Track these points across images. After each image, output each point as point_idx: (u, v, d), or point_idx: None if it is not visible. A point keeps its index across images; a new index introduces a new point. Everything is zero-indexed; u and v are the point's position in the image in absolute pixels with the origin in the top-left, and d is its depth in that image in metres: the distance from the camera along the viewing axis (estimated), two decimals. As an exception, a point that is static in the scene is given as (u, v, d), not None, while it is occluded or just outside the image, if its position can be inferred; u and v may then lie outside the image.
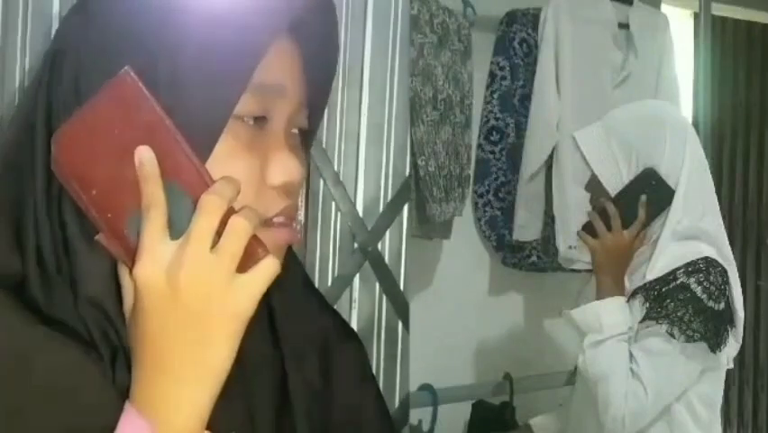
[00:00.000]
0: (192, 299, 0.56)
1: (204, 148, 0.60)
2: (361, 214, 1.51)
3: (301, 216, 1.36)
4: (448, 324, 2.30)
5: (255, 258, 0.57)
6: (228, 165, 0.62)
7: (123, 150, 0.57)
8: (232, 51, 0.61)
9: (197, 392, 0.57)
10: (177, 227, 0.57)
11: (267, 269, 0.57)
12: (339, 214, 1.48)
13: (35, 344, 0.59)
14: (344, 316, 1.45)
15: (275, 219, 0.65)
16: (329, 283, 1.48)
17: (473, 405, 2.27)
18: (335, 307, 1.44)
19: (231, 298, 0.56)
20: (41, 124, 0.63)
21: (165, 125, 0.57)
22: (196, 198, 0.57)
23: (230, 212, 0.57)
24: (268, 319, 0.74)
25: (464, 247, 2.37)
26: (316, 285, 1.32)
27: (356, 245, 1.51)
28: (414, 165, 1.98)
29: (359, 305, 1.50)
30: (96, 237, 0.59)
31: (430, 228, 2.14)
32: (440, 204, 2.09)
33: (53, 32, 0.72)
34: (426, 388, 2.09)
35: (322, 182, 1.46)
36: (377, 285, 1.53)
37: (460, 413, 2.28)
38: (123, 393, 0.59)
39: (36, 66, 0.69)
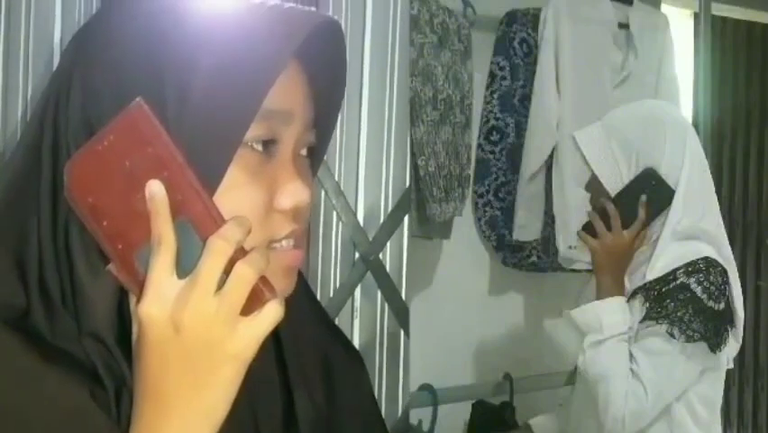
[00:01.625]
0: (194, 341, 0.56)
1: (213, 177, 0.60)
2: (361, 223, 1.51)
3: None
4: (448, 324, 2.30)
5: (261, 300, 0.57)
6: (236, 193, 0.62)
7: (135, 182, 0.57)
8: (241, 79, 0.61)
9: (194, 432, 0.58)
10: (184, 265, 0.57)
11: (270, 314, 0.58)
12: (341, 224, 1.49)
13: (40, 389, 0.59)
14: (346, 325, 1.47)
15: (283, 242, 0.65)
16: (331, 294, 1.48)
17: (473, 405, 2.27)
18: (337, 316, 1.45)
19: (232, 342, 0.57)
20: (47, 154, 0.63)
21: (176, 160, 0.57)
22: (205, 237, 0.57)
23: (237, 254, 0.57)
24: (274, 342, 0.74)
25: (464, 247, 2.37)
26: (318, 295, 1.34)
27: (357, 255, 1.51)
28: (414, 165, 1.98)
29: (360, 314, 1.50)
30: (107, 267, 0.59)
31: (430, 228, 2.14)
32: (440, 204, 2.09)
33: (55, 59, 0.71)
34: (426, 388, 2.09)
35: (323, 192, 1.46)
36: (378, 294, 1.53)
37: (460, 413, 2.28)
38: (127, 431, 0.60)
39: (38, 94, 0.68)
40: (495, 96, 2.35)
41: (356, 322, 1.50)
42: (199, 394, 0.57)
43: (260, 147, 0.64)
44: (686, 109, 2.61)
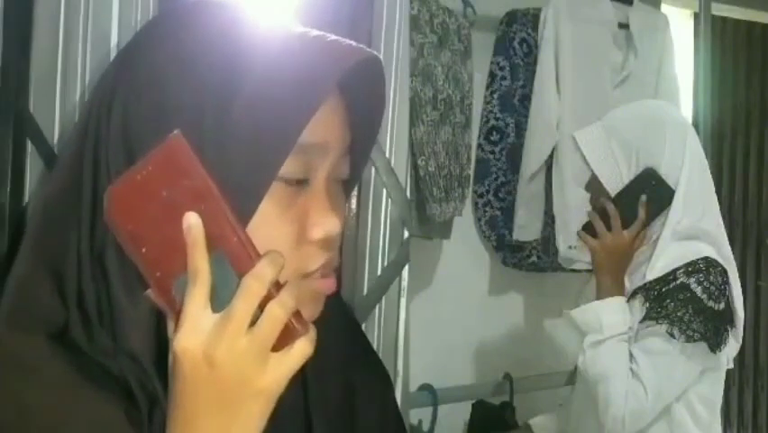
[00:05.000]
0: (226, 377, 0.58)
1: (246, 210, 0.61)
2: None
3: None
4: (448, 324, 2.30)
5: (292, 336, 0.59)
6: (268, 226, 0.63)
7: (172, 213, 0.58)
8: (279, 113, 0.61)
9: None
10: (220, 299, 0.59)
11: (300, 352, 0.59)
12: (390, 202, 1.47)
13: (77, 405, 0.61)
14: (393, 304, 1.46)
15: (314, 274, 0.67)
16: (379, 272, 1.47)
17: (473, 405, 2.27)
18: (385, 294, 1.44)
19: (263, 377, 0.58)
20: (88, 169, 0.64)
21: (213, 193, 0.58)
22: (240, 271, 0.58)
23: (271, 290, 0.58)
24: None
25: (464, 247, 2.37)
26: (366, 273, 1.33)
27: (406, 234, 1.50)
28: (414, 165, 1.98)
29: (407, 293, 1.50)
30: (146, 293, 0.60)
31: (430, 228, 2.14)
32: (440, 204, 2.09)
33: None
34: (426, 388, 2.09)
35: (373, 170, 1.45)
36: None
37: (460, 413, 2.28)
38: None
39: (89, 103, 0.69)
40: (495, 96, 2.35)
41: (402, 301, 1.49)
42: (229, 427, 0.59)
43: (293, 181, 0.65)
44: (686, 109, 2.60)
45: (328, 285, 0.68)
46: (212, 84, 0.61)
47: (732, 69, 3.42)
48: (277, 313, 0.58)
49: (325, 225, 0.66)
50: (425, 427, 2.06)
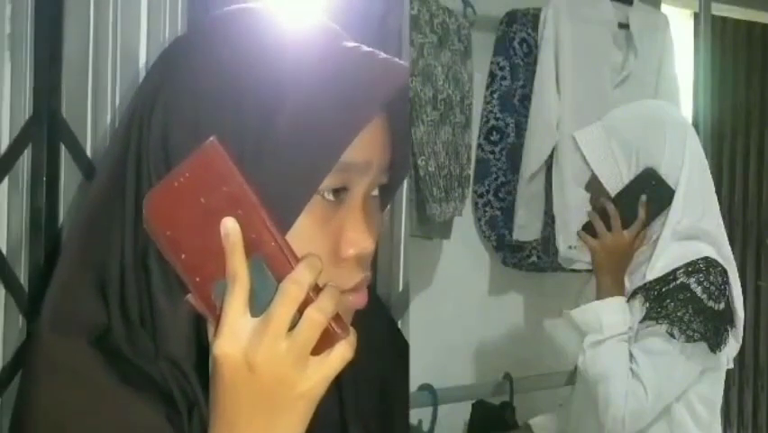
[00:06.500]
0: (266, 381, 0.58)
1: (283, 225, 0.61)
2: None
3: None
4: (448, 324, 2.30)
5: (332, 339, 0.59)
6: (303, 241, 0.62)
7: (210, 218, 0.59)
8: (322, 129, 0.60)
9: None
10: (259, 303, 0.59)
11: (340, 355, 0.59)
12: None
13: (119, 410, 0.61)
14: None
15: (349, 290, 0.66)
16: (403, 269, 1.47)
17: (473, 405, 2.27)
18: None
19: (303, 382, 0.58)
20: (131, 174, 0.64)
21: (250, 199, 0.58)
22: (279, 276, 0.58)
23: (310, 294, 0.58)
24: None
25: (464, 247, 2.37)
26: (401, 271, 1.32)
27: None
28: (414, 165, 1.99)
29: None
30: (186, 297, 0.61)
31: (430, 228, 2.14)
32: (440, 204, 2.09)
33: (141, 74, 0.72)
34: (426, 388, 2.09)
35: None
36: None
37: (460, 413, 2.28)
38: None
39: (123, 115, 0.69)
40: (495, 96, 2.35)
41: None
42: (271, 431, 0.59)
43: (331, 196, 0.65)
44: (686, 109, 2.60)
45: (360, 300, 0.68)
46: (254, 98, 0.61)
47: (732, 69, 3.41)
48: (315, 317, 0.58)
49: (360, 243, 0.66)
50: (425, 427, 2.06)
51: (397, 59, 0.66)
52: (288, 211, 0.61)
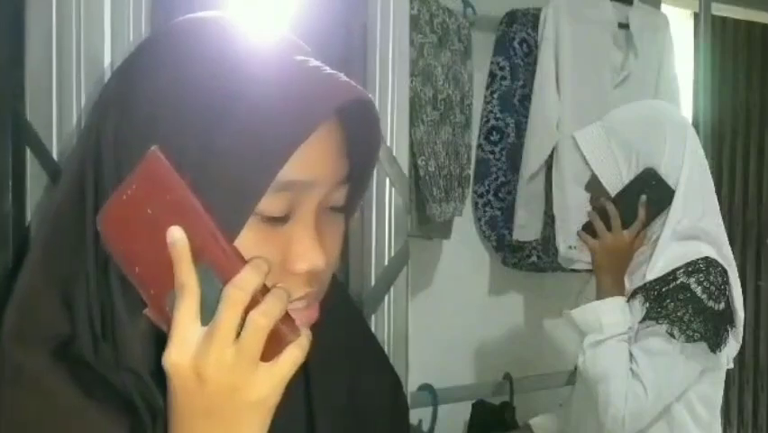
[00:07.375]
0: (217, 390, 0.57)
1: (227, 234, 0.59)
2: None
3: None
4: (448, 324, 2.30)
5: (282, 342, 0.58)
6: (250, 252, 0.60)
7: (158, 229, 0.58)
8: (262, 146, 0.59)
9: None
10: (208, 311, 0.58)
11: (290, 358, 0.58)
12: (394, 191, 1.45)
13: (83, 423, 0.60)
14: (401, 292, 1.45)
15: (296, 303, 0.64)
16: (386, 262, 1.46)
17: (473, 405, 2.27)
18: (393, 284, 1.44)
19: (254, 389, 0.57)
20: (90, 192, 0.63)
21: (194, 207, 0.58)
22: (227, 281, 0.57)
23: (257, 297, 0.57)
24: (303, 372, 0.73)
25: (464, 247, 2.37)
26: (372, 268, 1.32)
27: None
28: (414, 165, 1.98)
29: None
30: (144, 311, 0.60)
31: (430, 228, 2.14)
32: (440, 204, 2.09)
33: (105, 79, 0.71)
34: (426, 388, 2.09)
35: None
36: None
37: (460, 413, 2.28)
38: None
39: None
40: (495, 96, 2.35)
41: (407, 293, 1.48)
42: None
43: (272, 217, 0.62)
44: (686, 109, 2.61)
45: (309, 316, 0.65)
46: (200, 106, 0.60)
47: (732, 69, 3.42)
48: (259, 321, 0.56)
49: (307, 259, 0.63)
50: (425, 427, 2.07)
51: (343, 76, 0.63)
52: (230, 225, 0.59)
